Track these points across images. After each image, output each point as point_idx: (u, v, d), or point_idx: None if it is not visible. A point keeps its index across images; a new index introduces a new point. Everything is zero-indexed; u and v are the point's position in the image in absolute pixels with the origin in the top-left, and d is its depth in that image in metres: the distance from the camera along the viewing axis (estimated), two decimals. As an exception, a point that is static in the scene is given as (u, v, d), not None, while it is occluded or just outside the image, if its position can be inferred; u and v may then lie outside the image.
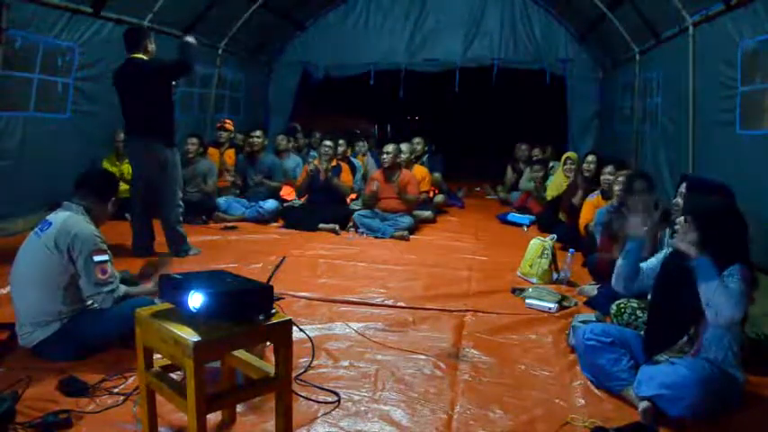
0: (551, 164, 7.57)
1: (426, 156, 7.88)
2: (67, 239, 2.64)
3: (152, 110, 4.46)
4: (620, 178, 4.26)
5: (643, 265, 2.69)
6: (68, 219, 2.70)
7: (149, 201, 4.67)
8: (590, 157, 5.69)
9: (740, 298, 2.25)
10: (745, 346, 2.51)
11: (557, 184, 6.47)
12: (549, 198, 6.57)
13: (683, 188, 3.17)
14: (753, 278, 2.40)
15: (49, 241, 2.64)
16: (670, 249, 2.63)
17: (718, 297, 2.24)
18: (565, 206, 5.70)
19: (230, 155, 7.17)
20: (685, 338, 2.46)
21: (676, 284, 2.46)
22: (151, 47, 4.54)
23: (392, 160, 6.13)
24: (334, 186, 6.25)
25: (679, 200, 3.12)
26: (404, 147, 6.80)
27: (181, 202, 4.74)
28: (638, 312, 3.00)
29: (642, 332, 2.71)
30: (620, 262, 2.70)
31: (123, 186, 6.07)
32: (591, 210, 4.79)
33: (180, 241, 4.70)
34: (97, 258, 2.67)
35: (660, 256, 2.67)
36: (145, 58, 4.46)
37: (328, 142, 6.44)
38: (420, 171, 6.98)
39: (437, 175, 7.54)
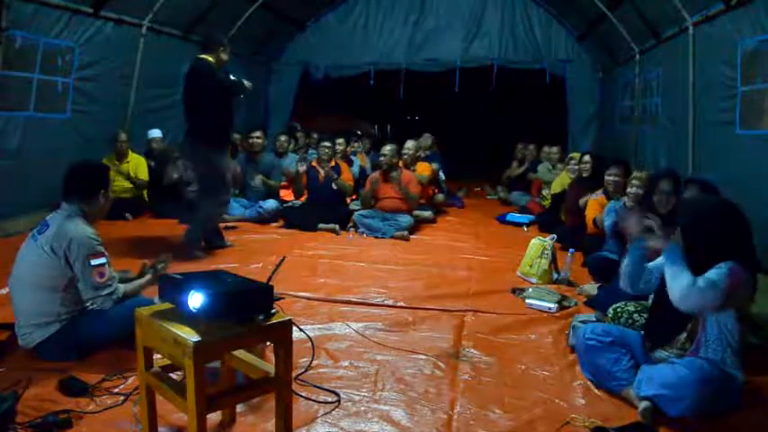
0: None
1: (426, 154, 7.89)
2: (63, 244, 2.62)
3: (199, 110, 4.49)
4: (635, 181, 4.23)
5: (650, 264, 2.67)
6: (64, 222, 2.68)
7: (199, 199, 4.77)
8: (586, 157, 5.70)
9: (705, 285, 2.23)
10: (745, 348, 2.50)
11: (561, 181, 6.49)
12: (552, 192, 6.59)
13: (692, 191, 3.17)
14: (753, 279, 2.39)
15: (46, 245, 2.63)
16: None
17: (671, 281, 2.32)
18: (567, 205, 5.71)
19: None
20: (684, 335, 2.45)
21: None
22: (224, 56, 4.57)
23: (390, 161, 6.13)
24: (337, 186, 6.26)
25: None
26: (410, 143, 6.81)
27: (220, 210, 4.89)
28: (636, 316, 3.00)
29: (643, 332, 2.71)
30: (625, 261, 2.70)
31: (125, 186, 6.15)
32: (597, 207, 4.81)
33: (197, 240, 4.74)
34: (94, 262, 2.66)
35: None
36: (212, 60, 4.48)
37: (326, 143, 6.46)
38: (423, 167, 6.98)
39: (435, 165, 7.52)
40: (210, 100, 4.44)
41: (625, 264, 2.69)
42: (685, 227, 2.44)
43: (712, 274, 2.27)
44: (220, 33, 4.86)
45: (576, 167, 6.18)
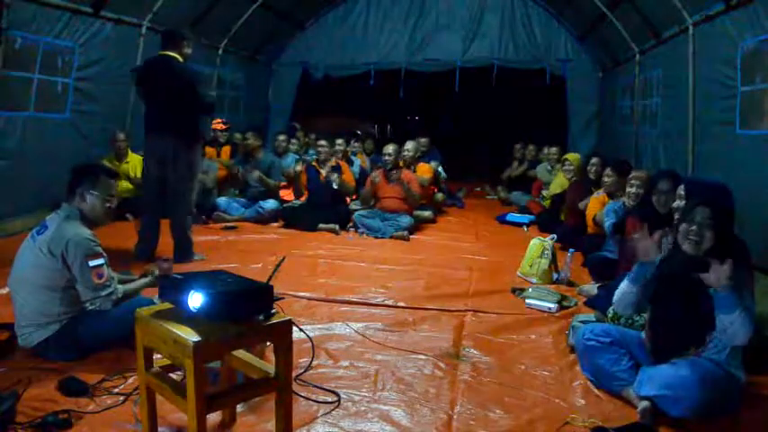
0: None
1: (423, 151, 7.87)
2: (61, 245, 2.62)
3: (178, 109, 4.37)
4: (634, 180, 4.24)
5: None
6: (62, 223, 2.68)
7: (162, 203, 4.58)
8: (594, 160, 5.66)
9: (752, 317, 2.25)
10: (746, 348, 2.50)
11: (559, 183, 6.49)
12: (551, 193, 6.59)
13: (681, 191, 3.15)
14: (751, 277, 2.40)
15: (44, 246, 2.63)
16: (661, 257, 2.60)
17: (737, 326, 2.23)
18: (568, 205, 5.71)
19: (226, 151, 7.23)
20: (694, 346, 2.45)
21: (676, 296, 2.44)
22: (188, 50, 4.49)
23: (394, 162, 6.14)
24: (338, 185, 6.26)
25: (679, 202, 3.09)
26: (409, 145, 6.82)
27: (194, 208, 4.71)
28: (635, 316, 2.98)
29: (642, 333, 2.70)
30: (628, 289, 2.59)
31: (125, 186, 6.15)
32: (597, 205, 4.82)
33: (188, 246, 4.62)
34: (92, 263, 2.65)
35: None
36: (179, 58, 4.41)
37: (323, 142, 6.49)
38: (424, 168, 6.99)
39: (434, 163, 7.49)
40: (188, 100, 4.35)
41: (629, 291, 2.58)
42: (715, 228, 2.38)
43: (749, 301, 2.28)
44: (183, 27, 4.77)
45: (571, 168, 6.18)
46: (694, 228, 2.39)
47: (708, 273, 2.25)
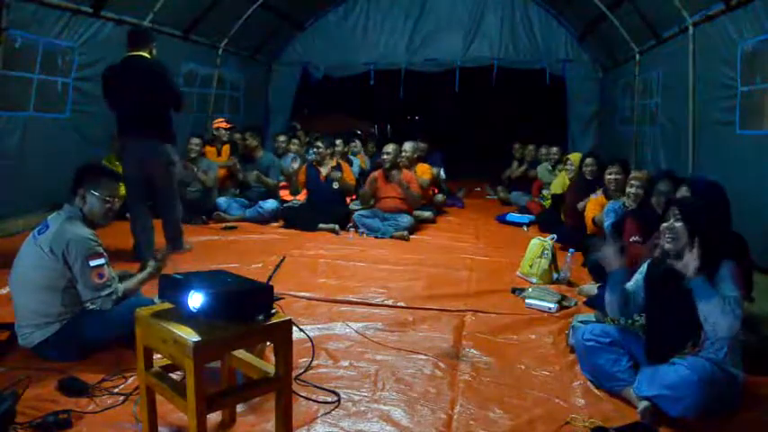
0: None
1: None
2: (62, 245, 2.62)
3: (156, 107, 4.39)
4: (634, 181, 4.23)
5: (629, 285, 2.64)
6: (64, 223, 2.68)
7: (150, 201, 4.64)
8: (589, 160, 5.65)
9: (737, 306, 2.24)
10: (746, 348, 2.50)
11: (561, 182, 6.49)
12: (552, 192, 6.59)
13: (683, 191, 3.15)
14: (749, 276, 2.40)
15: (45, 246, 2.63)
16: (648, 261, 2.61)
17: (717, 314, 2.23)
18: (567, 205, 5.71)
19: (226, 150, 7.24)
20: (690, 343, 2.45)
21: (667, 297, 2.45)
22: (154, 51, 4.50)
23: (393, 161, 6.14)
24: (340, 185, 6.26)
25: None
26: (407, 146, 6.82)
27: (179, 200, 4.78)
28: (635, 316, 2.98)
29: (642, 333, 2.70)
30: (608, 297, 2.64)
31: (122, 186, 6.14)
32: (596, 207, 4.82)
33: (180, 236, 4.71)
34: (93, 263, 2.66)
35: (643, 269, 2.63)
36: (149, 57, 4.41)
37: (318, 143, 6.50)
38: (424, 169, 6.99)
39: (435, 170, 7.52)
40: (164, 96, 4.39)
41: (610, 298, 2.63)
42: (688, 228, 2.41)
43: (730, 291, 2.28)
44: (148, 28, 4.77)
45: (573, 168, 6.17)
46: (666, 226, 2.45)
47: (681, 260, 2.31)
